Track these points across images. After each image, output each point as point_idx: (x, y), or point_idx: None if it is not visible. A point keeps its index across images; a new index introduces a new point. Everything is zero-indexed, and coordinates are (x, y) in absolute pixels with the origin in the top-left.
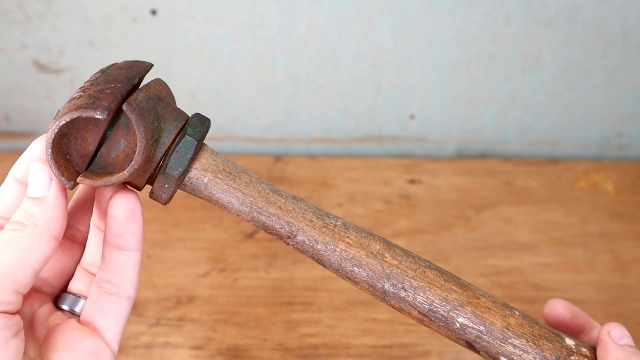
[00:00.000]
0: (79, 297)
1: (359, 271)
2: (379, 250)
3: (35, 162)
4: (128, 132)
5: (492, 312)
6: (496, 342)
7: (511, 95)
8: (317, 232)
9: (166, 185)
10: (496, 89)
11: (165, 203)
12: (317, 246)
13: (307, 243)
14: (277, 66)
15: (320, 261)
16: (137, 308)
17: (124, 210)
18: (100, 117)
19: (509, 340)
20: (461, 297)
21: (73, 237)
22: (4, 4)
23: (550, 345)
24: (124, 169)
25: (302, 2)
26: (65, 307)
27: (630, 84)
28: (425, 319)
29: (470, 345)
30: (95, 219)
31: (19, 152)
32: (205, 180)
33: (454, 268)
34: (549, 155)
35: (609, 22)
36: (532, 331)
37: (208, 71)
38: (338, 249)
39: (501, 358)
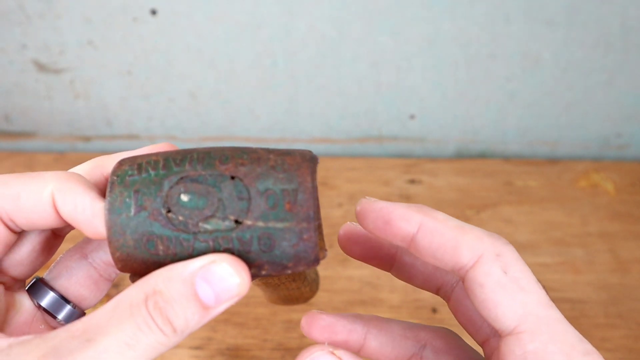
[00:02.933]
0: (74, 306)
1: None
2: None
3: (229, 263)
4: None
5: None
6: None
7: (511, 95)
8: None
9: None
10: (496, 89)
11: None
12: None
13: None
14: (277, 66)
15: None
16: None
17: None
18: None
19: None
20: None
21: None
22: (4, 4)
23: None
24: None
25: (302, 2)
26: (60, 317)
27: (631, 84)
28: None
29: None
30: None
31: (19, 153)
32: None
33: None
34: (549, 155)
35: (609, 22)
36: None
37: (208, 71)
38: None
39: None
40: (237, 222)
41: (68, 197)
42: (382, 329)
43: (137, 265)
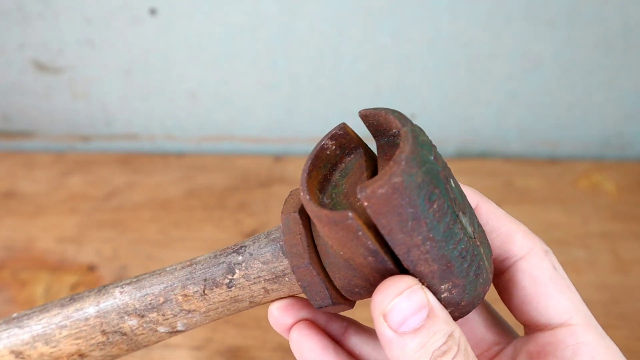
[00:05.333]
0: None
1: None
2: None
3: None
4: None
5: None
6: None
7: (512, 95)
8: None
9: None
10: (497, 88)
11: None
12: None
13: None
14: (277, 66)
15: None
16: None
17: None
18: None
19: None
20: None
21: None
22: (3, 3)
23: None
24: None
25: (302, 1)
26: None
27: (632, 84)
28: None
29: None
30: None
31: (17, 152)
32: None
33: None
34: (549, 155)
35: (610, 21)
36: None
37: (208, 71)
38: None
39: None
40: (472, 235)
41: None
42: (362, 330)
43: (395, 205)
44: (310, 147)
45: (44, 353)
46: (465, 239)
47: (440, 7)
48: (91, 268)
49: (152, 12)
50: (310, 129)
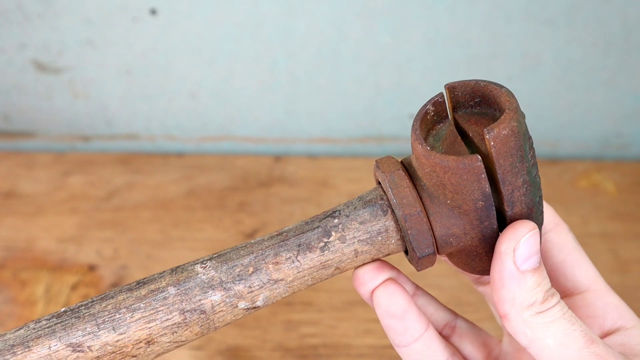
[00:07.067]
0: None
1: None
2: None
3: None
4: None
5: None
6: None
7: None
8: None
9: None
10: None
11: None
12: None
13: None
14: (277, 66)
15: None
16: None
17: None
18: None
19: None
20: None
21: None
22: (3, 3)
23: None
24: None
25: (302, 2)
26: None
27: (631, 84)
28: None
29: None
30: None
31: (18, 152)
32: None
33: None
34: (549, 155)
35: (609, 21)
36: None
37: (208, 71)
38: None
39: None
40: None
41: None
42: (426, 293)
43: (511, 147)
44: (310, 147)
45: (109, 342)
46: (540, 187)
47: (440, 7)
48: (91, 268)
49: (152, 12)
50: (310, 129)
